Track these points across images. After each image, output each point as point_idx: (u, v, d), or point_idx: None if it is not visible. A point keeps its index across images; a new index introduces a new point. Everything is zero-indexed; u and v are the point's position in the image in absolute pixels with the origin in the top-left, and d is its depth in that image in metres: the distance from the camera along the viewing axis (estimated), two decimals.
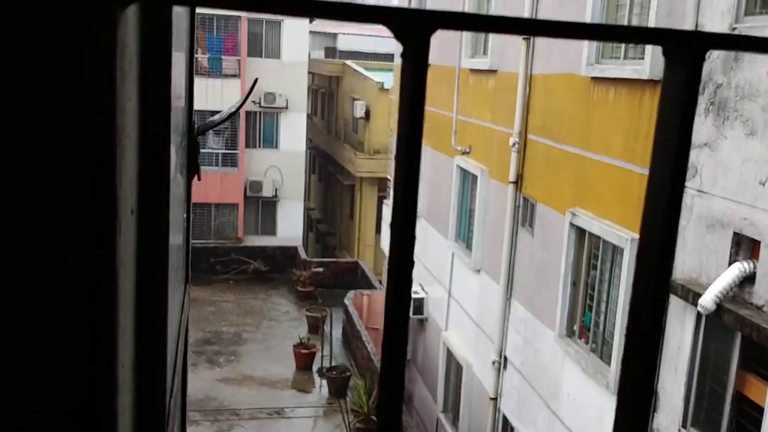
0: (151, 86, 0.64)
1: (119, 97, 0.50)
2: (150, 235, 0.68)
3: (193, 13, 1.70)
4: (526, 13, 10.16)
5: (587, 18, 8.56)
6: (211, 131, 25.60)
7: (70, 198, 0.49)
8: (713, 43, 0.57)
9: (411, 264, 0.56)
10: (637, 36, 0.58)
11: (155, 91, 0.64)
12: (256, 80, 2.99)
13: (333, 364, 17.16)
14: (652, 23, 7.35)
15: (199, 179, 1.74)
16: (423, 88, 0.54)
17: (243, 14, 25.54)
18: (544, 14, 9.93)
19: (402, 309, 0.57)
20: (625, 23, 8.13)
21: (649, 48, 7.39)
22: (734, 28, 6.32)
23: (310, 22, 27.40)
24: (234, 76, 25.37)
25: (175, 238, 1.38)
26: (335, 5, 0.50)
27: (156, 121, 0.66)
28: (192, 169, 1.65)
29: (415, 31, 0.52)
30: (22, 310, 0.51)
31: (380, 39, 35.03)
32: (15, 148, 0.46)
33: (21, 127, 0.46)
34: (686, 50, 0.56)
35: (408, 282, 0.56)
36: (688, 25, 6.83)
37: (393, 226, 0.56)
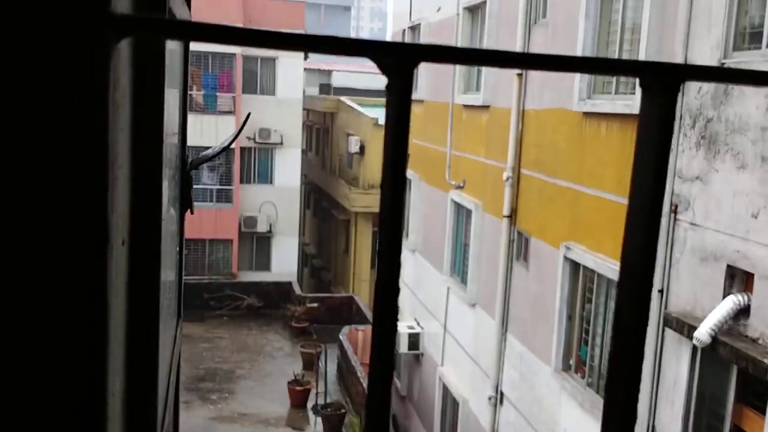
0: (144, 118, 0.66)
1: (112, 128, 0.51)
2: (142, 267, 0.69)
3: (186, 49, 1.73)
4: (517, 49, 10.31)
5: (578, 54, 8.69)
6: (205, 167, 25.69)
7: (62, 225, 0.50)
8: (688, 75, 0.59)
9: (397, 290, 0.57)
10: (613, 68, 0.60)
11: (148, 122, 0.66)
12: (248, 115, 3.02)
13: (328, 401, 16.97)
14: (641, 59, 7.46)
15: (191, 213, 1.75)
16: (407, 118, 0.55)
17: (238, 51, 25.81)
18: (535, 50, 10.08)
19: (389, 335, 0.58)
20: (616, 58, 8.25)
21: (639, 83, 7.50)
22: (723, 63, 6.42)
23: (305, 59, 27.69)
24: (229, 112, 25.53)
25: (168, 273, 1.39)
26: (323, 39, 0.52)
27: (148, 153, 0.67)
28: (185, 204, 1.66)
29: (398, 64, 0.53)
30: (11, 336, 0.51)
31: (374, 75, 35.38)
32: (8, 174, 0.47)
33: (17, 154, 0.47)
34: (661, 82, 0.58)
35: (394, 307, 0.57)
36: (677, 62, 6.94)
37: (379, 257, 0.57)
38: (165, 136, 1.36)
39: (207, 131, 24.95)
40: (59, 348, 0.52)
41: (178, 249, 1.68)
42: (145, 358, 0.75)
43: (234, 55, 25.80)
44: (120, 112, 0.57)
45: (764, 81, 0.62)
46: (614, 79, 8.30)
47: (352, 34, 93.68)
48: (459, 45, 12.69)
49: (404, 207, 0.57)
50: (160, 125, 0.72)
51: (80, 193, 0.50)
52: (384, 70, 0.54)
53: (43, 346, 0.52)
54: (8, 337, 0.52)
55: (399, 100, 0.55)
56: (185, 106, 1.89)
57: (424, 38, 14.75)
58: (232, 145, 25.19)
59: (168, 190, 1.45)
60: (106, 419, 0.58)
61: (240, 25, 25.83)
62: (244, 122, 2.88)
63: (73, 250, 0.51)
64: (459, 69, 12.76)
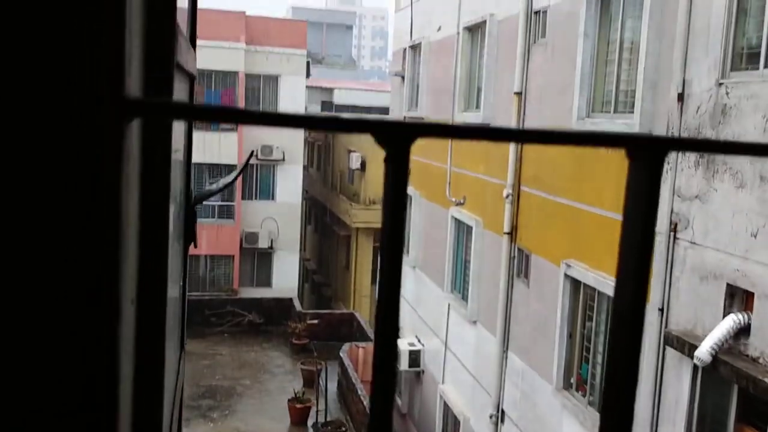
0: (152, 182, 0.69)
1: (124, 199, 0.54)
2: (148, 323, 0.71)
3: (191, 89, 1.77)
4: (517, 72, 10.38)
5: (577, 74, 8.75)
6: (207, 182, 25.72)
7: (75, 291, 0.53)
8: (672, 146, 0.62)
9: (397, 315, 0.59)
10: (601, 140, 0.63)
11: (156, 186, 0.69)
12: (252, 153, 3.07)
13: (328, 418, 16.91)
14: (640, 79, 7.52)
15: (195, 247, 1.78)
16: (404, 190, 0.58)
17: (241, 69, 25.95)
18: (535, 72, 10.15)
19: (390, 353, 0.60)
20: (614, 79, 8.31)
21: (638, 101, 7.55)
22: (720, 83, 6.47)
23: (307, 76, 27.84)
24: (231, 130, 25.64)
25: (171, 308, 1.41)
26: (328, 119, 0.55)
27: (156, 213, 0.70)
28: (188, 238, 1.69)
29: (396, 140, 0.56)
30: (27, 403, 0.54)
31: (376, 93, 35.55)
32: (31, 237, 0.50)
33: (41, 221, 0.50)
34: (647, 153, 0.61)
35: (395, 327, 0.59)
36: (675, 82, 6.99)
37: (377, 312, 0.59)
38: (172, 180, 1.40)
39: (210, 148, 25.05)
40: (69, 409, 0.55)
41: (181, 283, 1.71)
42: (149, 414, 0.77)
43: (237, 72, 25.95)
44: (130, 182, 0.60)
45: (754, 151, 0.64)
46: (614, 97, 8.35)
47: (354, 53, 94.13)
48: (459, 64, 12.77)
49: (401, 270, 0.59)
50: (166, 188, 0.75)
51: (93, 259, 0.53)
52: (383, 144, 0.57)
53: (55, 408, 0.54)
54: (24, 404, 0.54)
55: (396, 173, 0.57)
56: (190, 136, 1.92)
57: (425, 57, 14.85)
58: (234, 161, 25.28)
59: (173, 227, 1.48)
60: None
61: (243, 44, 26.03)
62: (248, 159, 2.93)
63: (86, 315, 0.54)
64: (459, 87, 12.84)
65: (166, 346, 0.97)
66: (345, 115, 0.53)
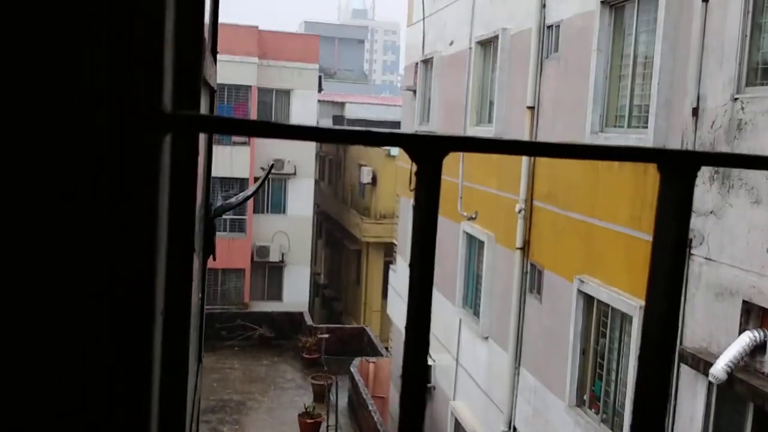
0: (178, 195, 0.69)
1: (160, 210, 0.54)
2: (173, 336, 0.71)
3: (212, 101, 1.79)
4: (529, 86, 10.38)
5: (590, 88, 8.74)
6: (219, 196, 25.79)
7: (112, 301, 0.53)
8: (704, 161, 0.61)
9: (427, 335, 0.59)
10: (633, 155, 0.62)
11: (181, 201, 0.69)
12: (272, 165, 3.08)
13: None
14: (653, 94, 7.50)
15: (214, 260, 1.78)
16: (436, 204, 0.58)
17: (253, 83, 26.12)
18: (547, 86, 10.15)
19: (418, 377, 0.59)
20: (628, 93, 8.30)
21: (652, 116, 7.53)
22: (735, 98, 6.44)
23: (319, 90, 27.98)
24: (243, 144, 25.77)
25: (191, 328, 1.41)
26: (360, 133, 0.55)
27: (183, 226, 0.71)
28: (208, 251, 1.69)
29: (429, 154, 0.56)
30: (61, 410, 0.54)
31: (387, 107, 35.66)
32: (63, 253, 0.50)
33: (76, 233, 0.50)
34: (679, 167, 0.60)
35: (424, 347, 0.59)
36: (690, 97, 6.97)
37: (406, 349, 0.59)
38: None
39: (222, 162, 25.17)
40: (103, 416, 0.55)
41: (200, 296, 1.71)
42: (174, 426, 0.77)
43: (249, 87, 26.12)
44: (162, 195, 0.60)
45: None
46: (627, 112, 8.33)
47: (366, 68, 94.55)
48: (471, 79, 12.79)
49: (432, 286, 0.59)
50: (193, 201, 0.76)
51: (131, 268, 0.53)
52: (414, 158, 0.57)
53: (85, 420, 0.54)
54: (58, 411, 0.54)
55: (428, 187, 0.57)
56: (210, 149, 1.93)
57: (437, 71, 14.89)
58: (246, 175, 25.39)
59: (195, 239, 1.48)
60: None
61: (255, 58, 26.22)
62: (268, 172, 2.94)
63: (122, 328, 0.54)
64: (471, 101, 12.86)
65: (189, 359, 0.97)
66: (376, 129, 0.53)
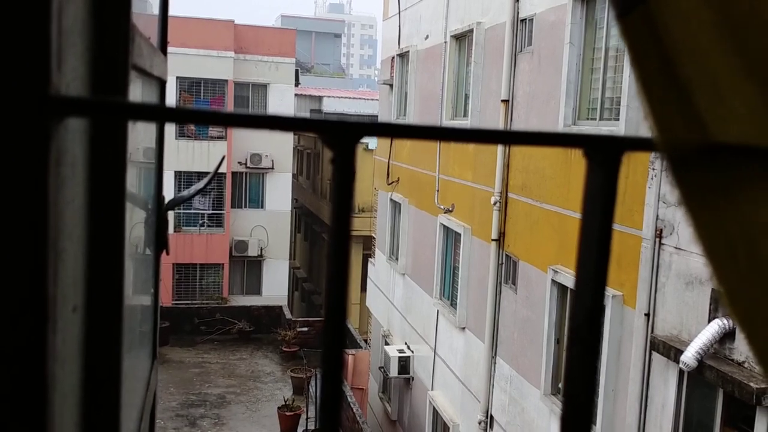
0: (101, 186, 0.67)
1: (56, 201, 0.52)
2: (99, 332, 0.69)
3: (162, 90, 1.75)
4: (504, 80, 10.40)
5: (563, 81, 8.78)
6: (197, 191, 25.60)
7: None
8: (629, 146, 0.60)
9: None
10: (559, 141, 0.61)
11: (105, 192, 0.67)
12: (222, 158, 3.06)
13: (318, 426, 16.81)
14: (625, 86, 7.55)
15: (167, 254, 1.76)
16: (351, 192, 0.56)
17: (230, 77, 25.93)
18: (521, 79, 10.18)
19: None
20: (600, 87, 8.34)
21: (624, 108, 7.58)
22: None
23: (296, 84, 27.84)
24: (220, 138, 25.59)
25: (141, 316, 1.39)
26: (276, 118, 0.54)
27: (109, 217, 0.68)
28: (161, 245, 1.66)
29: (341, 140, 0.55)
30: None
31: (364, 101, 35.60)
32: None
33: None
34: (603, 153, 0.59)
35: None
36: None
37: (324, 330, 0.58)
38: (140, 178, 1.38)
39: (198, 157, 25.00)
40: None
41: (153, 291, 1.68)
42: (103, 426, 0.74)
43: (226, 81, 25.93)
44: (67, 184, 0.58)
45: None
46: (599, 104, 8.38)
47: (343, 62, 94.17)
48: (446, 72, 12.80)
49: (349, 269, 0.58)
50: (121, 192, 0.73)
51: (18, 268, 0.51)
52: (329, 144, 0.56)
53: None
54: None
55: (342, 171, 0.56)
56: (162, 140, 1.90)
57: (413, 65, 14.87)
58: (224, 170, 25.22)
59: (144, 233, 1.46)
60: None
61: (232, 53, 26.03)
62: (218, 165, 2.92)
63: (12, 328, 0.51)
64: (446, 94, 12.86)
65: (127, 355, 0.94)
66: (285, 114, 0.51)
